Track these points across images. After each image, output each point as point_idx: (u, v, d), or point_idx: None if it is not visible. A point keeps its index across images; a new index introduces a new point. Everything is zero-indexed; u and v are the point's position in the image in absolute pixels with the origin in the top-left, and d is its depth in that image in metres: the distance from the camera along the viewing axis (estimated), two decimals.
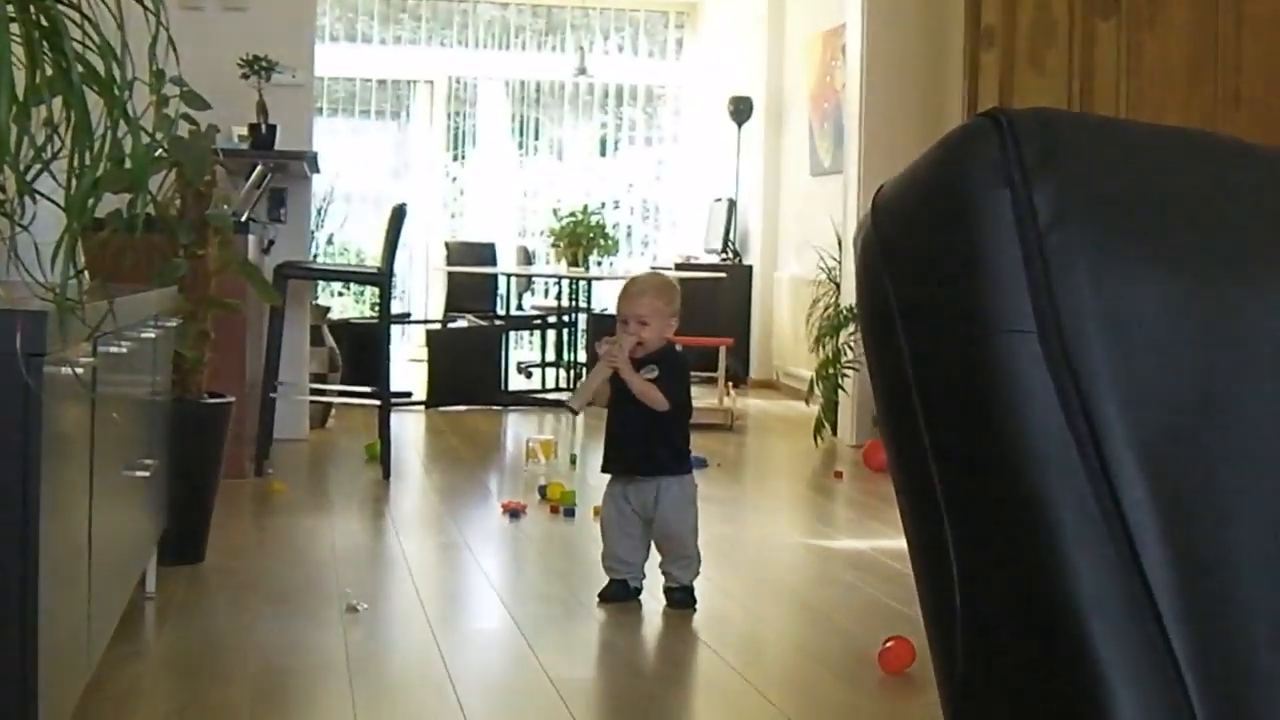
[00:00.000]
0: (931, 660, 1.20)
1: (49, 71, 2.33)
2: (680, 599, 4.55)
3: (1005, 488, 1.11)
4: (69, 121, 2.39)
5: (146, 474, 3.65)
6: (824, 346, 8.36)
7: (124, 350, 3.13)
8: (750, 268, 12.17)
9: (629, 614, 4.51)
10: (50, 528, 2.38)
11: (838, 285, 9.11)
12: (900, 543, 5.53)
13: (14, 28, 2.25)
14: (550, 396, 10.44)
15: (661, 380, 4.59)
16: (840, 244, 9.10)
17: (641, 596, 4.62)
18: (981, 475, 1.13)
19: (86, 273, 2.40)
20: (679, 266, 12.24)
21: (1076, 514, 1.09)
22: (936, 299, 1.15)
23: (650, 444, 4.62)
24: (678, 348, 4.71)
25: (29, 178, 2.26)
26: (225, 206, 5.06)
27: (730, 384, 9.46)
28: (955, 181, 1.14)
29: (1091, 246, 1.13)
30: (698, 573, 4.61)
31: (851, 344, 8.11)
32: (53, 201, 2.37)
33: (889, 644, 3.93)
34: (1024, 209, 1.12)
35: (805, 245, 10.56)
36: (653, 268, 13.20)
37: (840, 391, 8.36)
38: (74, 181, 2.33)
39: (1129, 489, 1.09)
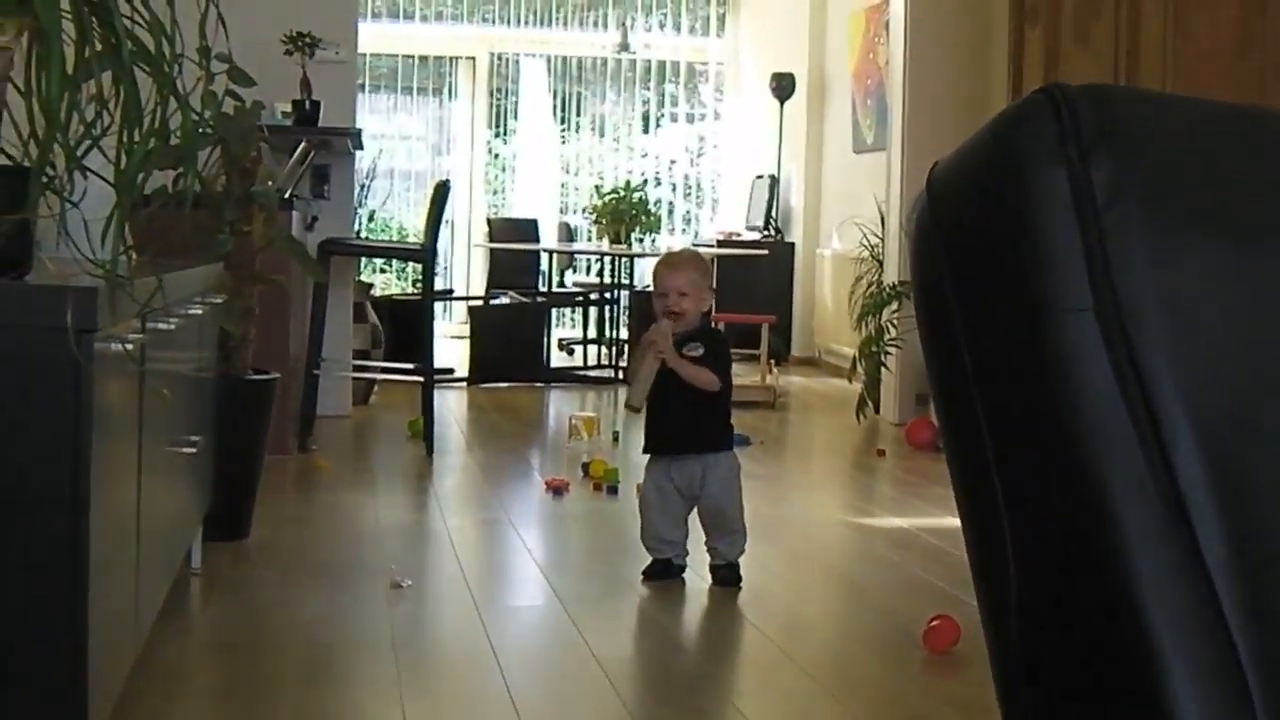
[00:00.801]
0: (985, 642, 1.19)
1: (98, 47, 2.33)
2: (725, 576, 4.55)
3: (1059, 467, 1.10)
4: (118, 98, 2.40)
5: (193, 450, 3.67)
6: (867, 324, 8.33)
7: (171, 327, 3.14)
8: (792, 245, 12.14)
9: (672, 591, 4.51)
10: (100, 503, 2.39)
11: (880, 262, 9.08)
12: (944, 521, 5.53)
13: (64, 3, 2.26)
14: (593, 374, 10.45)
15: (706, 359, 4.58)
16: (883, 221, 9.07)
17: (686, 574, 4.62)
18: (1037, 455, 1.12)
19: (133, 251, 2.40)
20: (721, 243, 12.22)
21: (1134, 494, 1.08)
22: (992, 277, 1.14)
23: (695, 422, 4.62)
24: (717, 325, 4.70)
25: (79, 153, 2.27)
26: (270, 183, 5.07)
27: (772, 361, 9.44)
28: (1011, 158, 1.13)
29: (1150, 223, 1.12)
30: (743, 549, 4.61)
31: (894, 321, 8.08)
32: (102, 178, 2.37)
33: (934, 623, 3.92)
34: (1081, 186, 1.11)
35: (848, 222, 10.53)
36: (694, 244, 13.20)
37: (883, 369, 8.33)
38: (123, 158, 2.33)
39: (1187, 469, 1.08)
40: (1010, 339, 1.12)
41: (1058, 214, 1.10)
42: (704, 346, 4.60)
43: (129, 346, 2.52)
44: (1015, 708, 1.18)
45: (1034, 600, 1.13)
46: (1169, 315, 1.10)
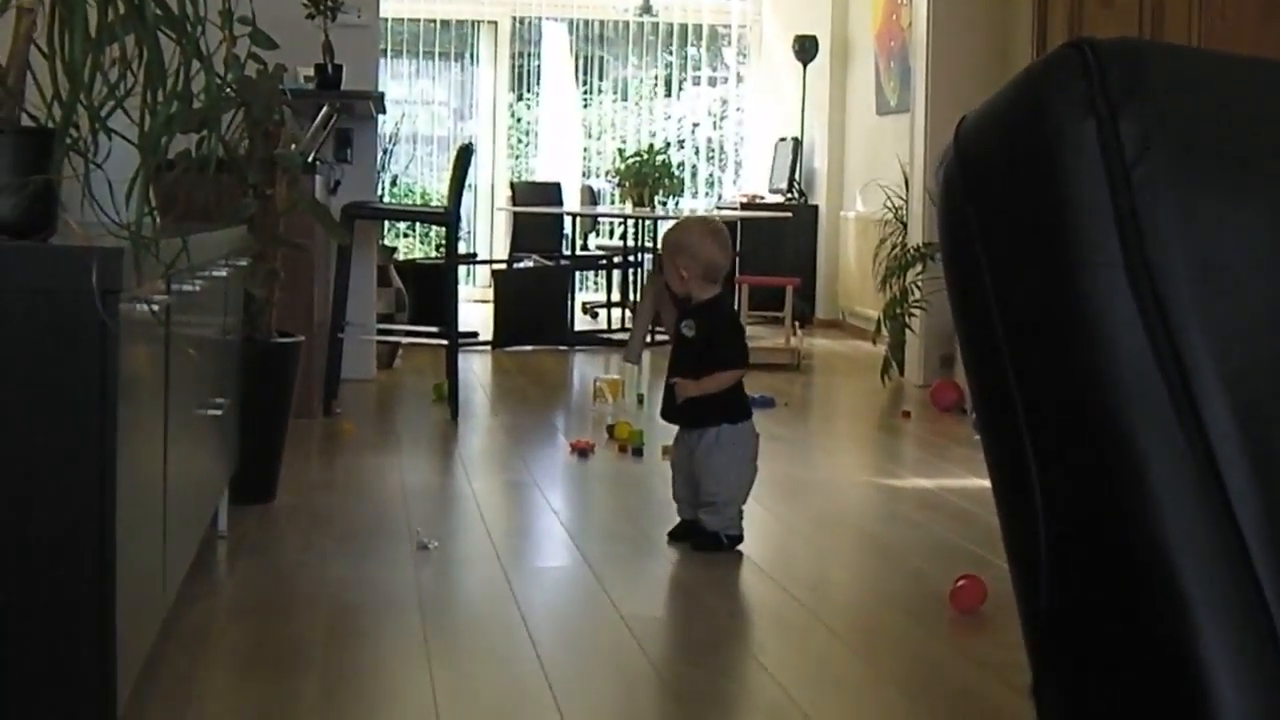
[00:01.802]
0: (1015, 598, 1.19)
1: (121, 10, 2.33)
2: (700, 544, 4.54)
3: (1091, 423, 1.10)
4: (141, 59, 2.40)
5: (218, 414, 3.68)
6: (891, 286, 8.31)
7: (196, 289, 3.14)
8: (816, 208, 12.12)
9: (700, 551, 4.51)
10: (127, 466, 2.40)
11: (904, 225, 9.05)
12: (970, 482, 5.53)
13: None
14: (617, 336, 10.44)
15: (698, 339, 4.60)
16: (907, 183, 9.04)
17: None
18: (1066, 410, 1.11)
19: (156, 214, 2.40)
20: (744, 206, 12.20)
21: (1163, 448, 1.07)
22: (1021, 233, 1.14)
23: (680, 399, 4.63)
24: (718, 296, 4.65)
25: (102, 114, 2.27)
26: (293, 146, 5.07)
27: (796, 324, 9.43)
28: (1039, 112, 1.12)
29: (1179, 178, 1.11)
30: (732, 523, 4.56)
31: (919, 284, 8.06)
32: (126, 139, 2.37)
33: (961, 583, 3.92)
34: (1110, 140, 1.10)
35: (871, 185, 10.50)
36: (717, 207, 13.18)
37: (907, 331, 8.32)
38: (147, 119, 2.33)
39: (1217, 423, 1.08)
40: (1039, 295, 1.12)
41: (1086, 169, 1.10)
42: (696, 325, 4.61)
43: (155, 308, 2.52)
44: (1045, 663, 1.17)
45: (1064, 555, 1.13)
46: (1199, 270, 1.10)
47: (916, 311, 8.15)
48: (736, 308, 9.76)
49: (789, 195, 12.19)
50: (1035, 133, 1.14)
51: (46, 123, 2.43)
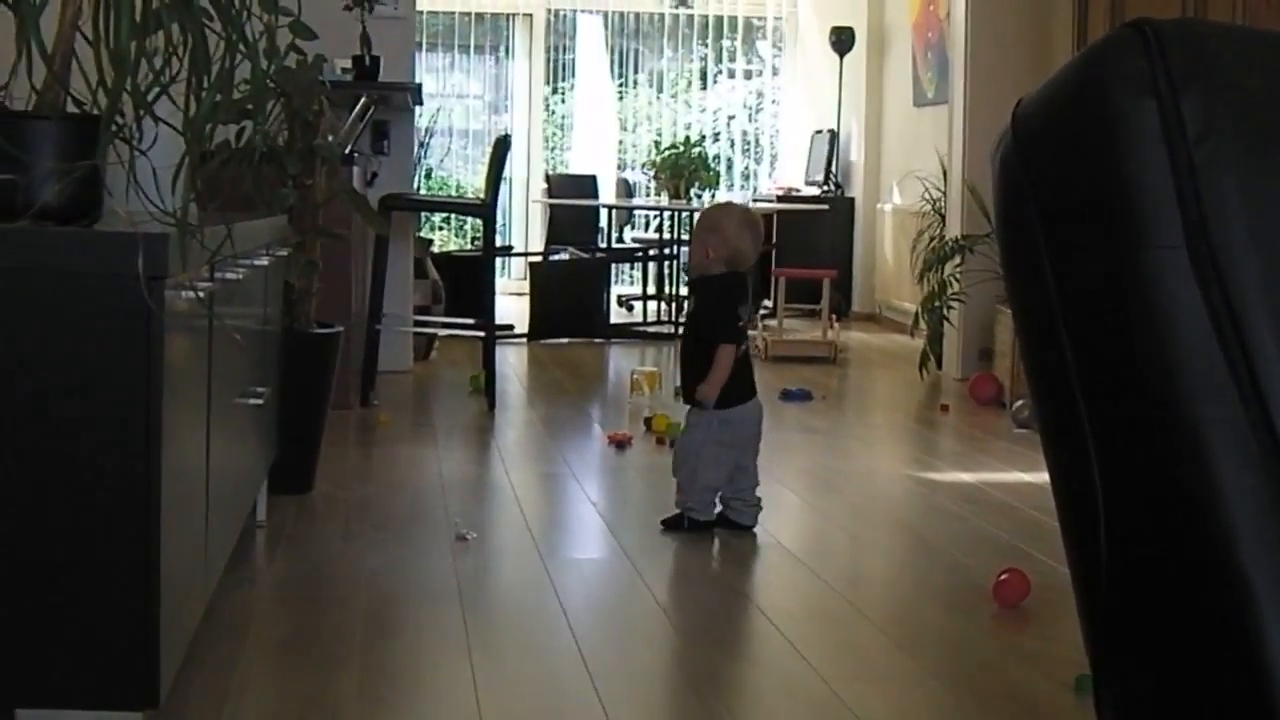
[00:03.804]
0: (1073, 588, 1.18)
1: None
2: (665, 520, 4.65)
3: (1153, 407, 1.08)
4: (186, 47, 2.40)
5: (259, 403, 3.68)
6: (929, 279, 8.28)
7: (239, 277, 3.15)
8: (852, 200, 12.10)
9: (738, 543, 4.51)
10: (171, 454, 2.40)
11: (942, 217, 9.03)
12: (1010, 476, 5.51)
13: None
14: (652, 329, 10.44)
15: (693, 312, 4.77)
16: (945, 175, 9.01)
17: (755, 530, 4.61)
18: (1128, 395, 1.10)
19: (195, 205, 2.41)
20: (781, 199, 12.18)
21: (1226, 433, 1.06)
22: (1081, 215, 1.13)
23: (685, 376, 4.77)
24: (720, 272, 4.69)
25: (149, 99, 2.27)
26: (331, 137, 5.07)
27: (833, 317, 9.40)
28: (1100, 92, 1.11)
29: (1242, 158, 1.10)
30: (699, 506, 4.62)
31: (957, 276, 8.04)
32: (171, 126, 2.38)
33: (1004, 576, 3.90)
34: (1171, 120, 1.09)
35: (909, 177, 10.47)
36: (753, 200, 13.16)
37: (945, 324, 8.29)
38: (192, 104, 2.34)
39: None
40: (1100, 278, 1.10)
41: (1148, 150, 1.08)
42: (694, 299, 4.78)
43: (200, 294, 2.52)
44: (1106, 660, 1.16)
45: (1125, 548, 1.12)
46: (1263, 251, 1.09)
47: (955, 304, 8.12)
48: (772, 301, 9.75)
49: (825, 188, 12.17)
50: (1096, 114, 1.13)
51: (91, 109, 2.44)
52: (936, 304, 8.18)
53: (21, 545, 2.31)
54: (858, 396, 8.12)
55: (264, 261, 3.79)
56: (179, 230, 2.24)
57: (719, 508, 4.66)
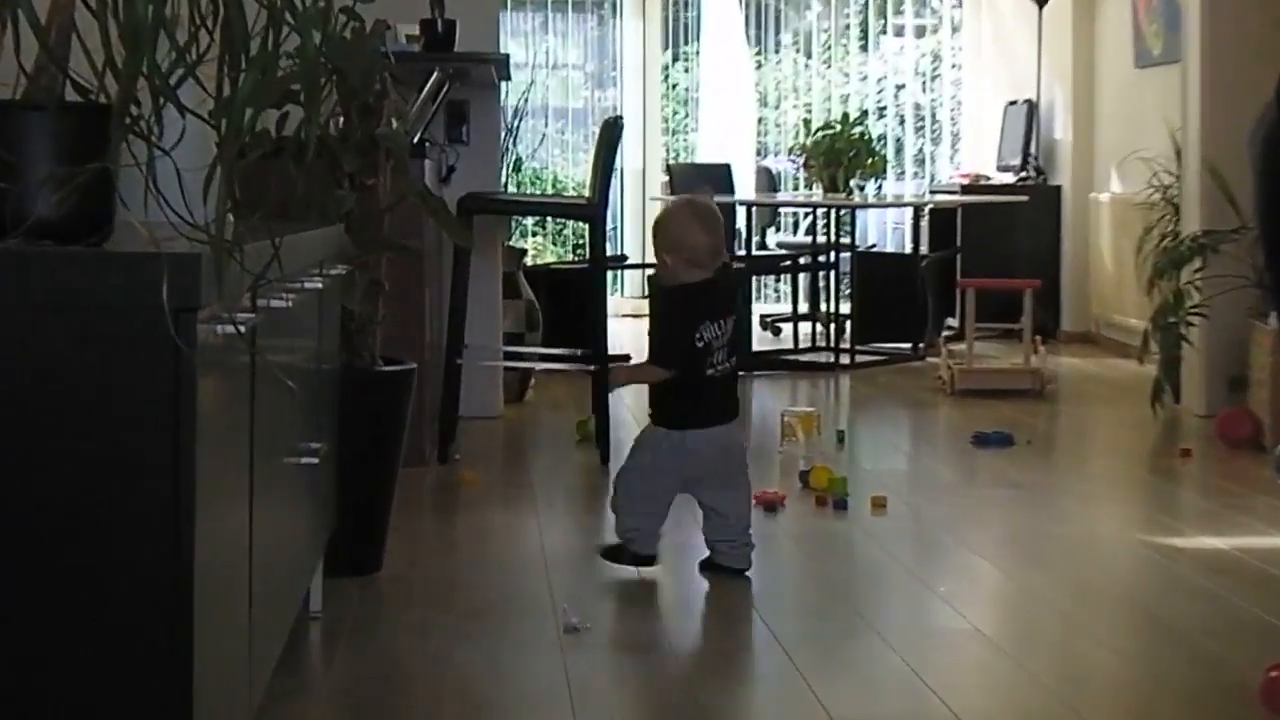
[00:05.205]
0: None
1: None
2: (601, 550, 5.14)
3: None
4: (217, 17, 2.40)
5: (314, 461, 3.68)
6: (1160, 288, 8.19)
7: (287, 305, 3.15)
8: (1058, 188, 12.02)
9: (924, 634, 4.47)
10: (206, 531, 2.39)
11: (1176, 208, 8.93)
12: (1276, 540, 5.41)
13: None
14: (806, 358, 10.41)
15: None
16: (1178, 154, 8.92)
17: (941, 612, 4.57)
18: None
19: (232, 215, 2.40)
20: (966, 189, 12.13)
21: None
22: None
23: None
24: (667, 283, 5.06)
25: (172, 83, 2.27)
26: (395, 124, 5.09)
27: (1038, 338, 9.33)
28: None
29: None
30: (632, 536, 5.03)
31: (1197, 284, 7.94)
32: (200, 117, 2.37)
33: (1274, 673, 3.83)
34: None
35: (1131, 158, 10.38)
36: (931, 190, 13.10)
37: (1184, 345, 8.20)
38: (225, 88, 2.33)
39: None
40: None
41: None
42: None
43: (240, 327, 2.51)
44: None
45: None
46: None
47: (1195, 320, 8.03)
48: (959, 319, 9.69)
49: (1023, 174, 12.10)
50: None
51: (98, 97, 2.44)
52: (1171, 320, 8.09)
53: (27, 660, 2.31)
54: (1072, 440, 8.04)
55: (317, 284, 3.80)
56: (213, 248, 2.23)
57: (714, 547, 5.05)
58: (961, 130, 13.98)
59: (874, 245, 12.92)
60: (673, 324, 5.01)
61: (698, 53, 14.18)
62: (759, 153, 13.98)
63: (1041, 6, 12.04)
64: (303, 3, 2.47)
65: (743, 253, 11.68)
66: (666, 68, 14.16)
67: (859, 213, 11.00)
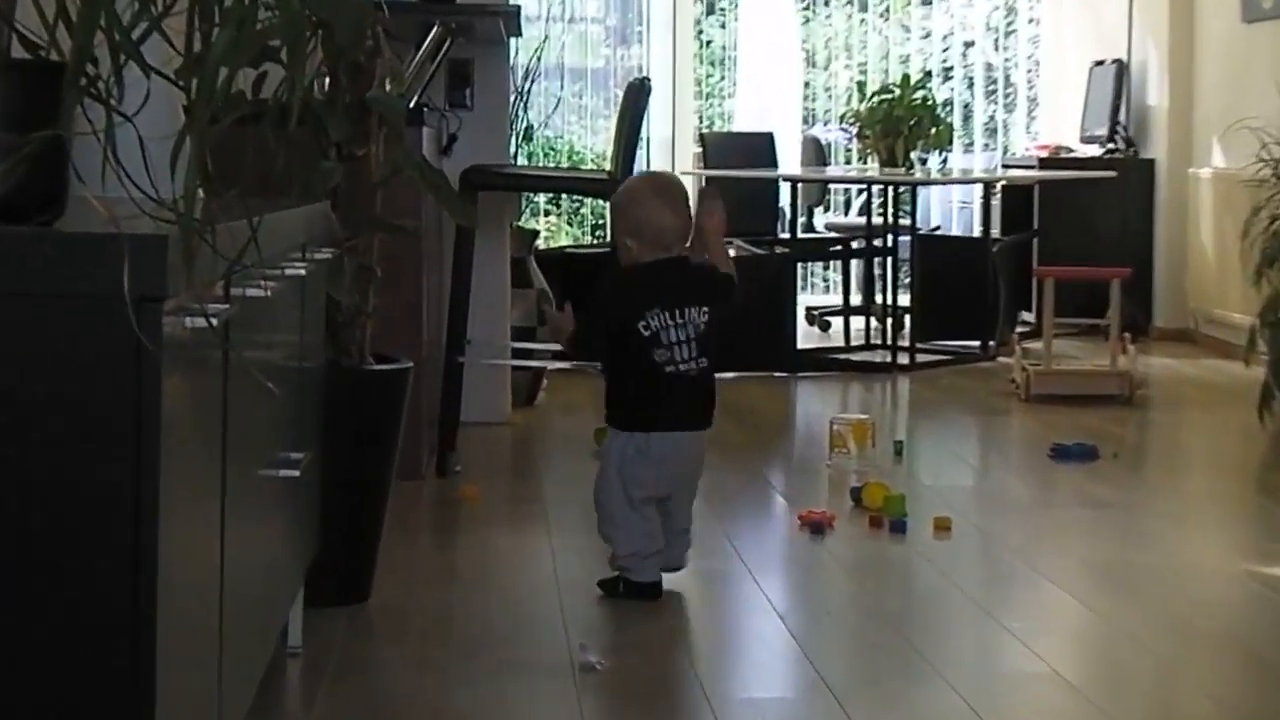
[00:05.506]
0: None
1: None
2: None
3: None
4: None
5: (294, 474, 3.69)
6: (1269, 278, 8.19)
7: (265, 294, 3.15)
8: (1152, 163, 12.02)
9: (990, 673, 4.47)
10: (171, 554, 2.40)
11: None
12: None
13: None
14: (858, 357, 10.41)
15: None
16: None
17: (1015, 649, 4.57)
18: None
19: (203, 191, 2.40)
20: (1044, 164, 12.13)
21: None
22: None
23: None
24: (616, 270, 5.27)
25: (134, 36, 2.28)
26: (389, 86, 5.09)
27: (1127, 336, 9.32)
28: None
29: None
30: (617, 563, 5.12)
31: None
32: (166, 77, 2.38)
33: None
34: None
35: (1237, 127, 10.36)
36: (1004, 164, 13.09)
37: None
38: (196, 44, 2.34)
39: None
40: None
41: None
42: None
43: (212, 320, 2.52)
44: None
45: None
46: None
47: None
48: (1036, 313, 9.68)
49: (1111, 145, 12.09)
50: None
51: (49, 54, 2.45)
52: None
53: None
54: (1166, 454, 8.05)
55: (299, 270, 3.81)
56: (182, 229, 2.24)
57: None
58: (1039, 95, 13.99)
59: (937, 228, 12.91)
60: (597, 308, 5.19)
61: (736, 5, 14.20)
62: (805, 121, 14.00)
63: None
64: None
65: (786, 235, 11.70)
66: (699, 22, 14.18)
67: (920, 190, 11.01)
